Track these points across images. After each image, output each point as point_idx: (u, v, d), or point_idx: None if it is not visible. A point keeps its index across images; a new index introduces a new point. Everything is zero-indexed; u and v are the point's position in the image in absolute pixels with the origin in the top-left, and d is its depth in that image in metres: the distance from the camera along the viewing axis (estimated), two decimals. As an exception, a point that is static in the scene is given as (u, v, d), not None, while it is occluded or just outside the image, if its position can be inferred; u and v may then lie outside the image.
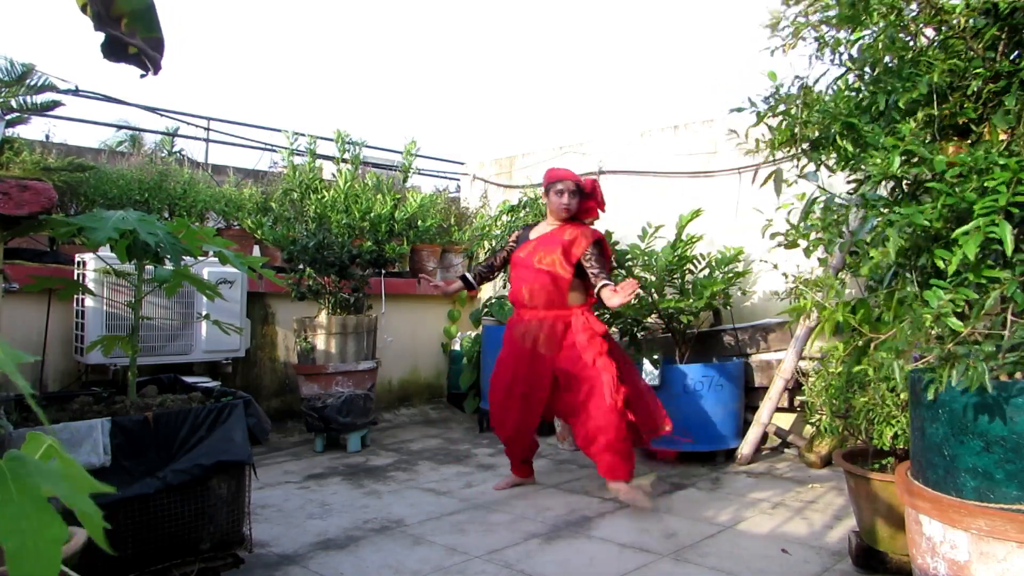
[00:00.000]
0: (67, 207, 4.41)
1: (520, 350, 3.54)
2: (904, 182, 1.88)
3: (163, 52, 1.57)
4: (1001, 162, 1.55)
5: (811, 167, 2.12)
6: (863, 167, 1.87)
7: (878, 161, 1.72)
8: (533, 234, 3.67)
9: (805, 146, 2.10)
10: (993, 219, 1.49)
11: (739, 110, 2.13)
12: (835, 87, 2.04)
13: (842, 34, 1.96)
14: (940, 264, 1.61)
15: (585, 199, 3.61)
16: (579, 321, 3.49)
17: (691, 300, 4.21)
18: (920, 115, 1.77)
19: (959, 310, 1.56)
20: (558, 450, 4.58)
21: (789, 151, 2.12)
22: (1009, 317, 1.56)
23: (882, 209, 1.73)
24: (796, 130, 2.02)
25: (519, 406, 3.55)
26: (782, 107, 2.05)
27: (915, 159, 1.73)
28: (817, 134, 2.02)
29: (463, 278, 3.90)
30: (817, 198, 2.03)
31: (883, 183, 1.81)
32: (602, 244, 3.58)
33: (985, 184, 1.54)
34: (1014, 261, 1.57)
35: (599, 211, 3.71)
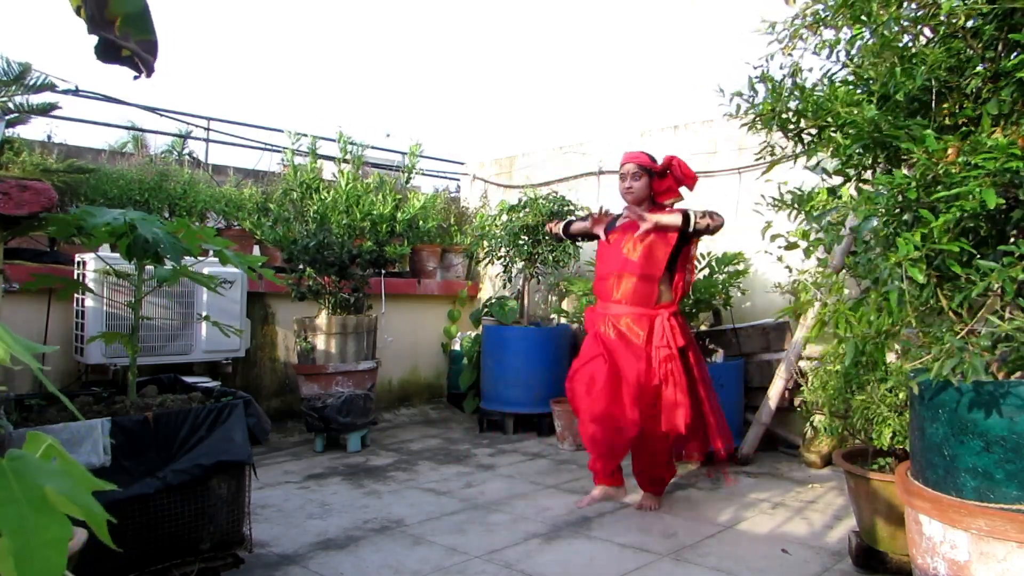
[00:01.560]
0: (67, 207, 4.41)
1: (609, 344, 3.30)
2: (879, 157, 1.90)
3: (156, 54, 1.58)
4: (989, 143, 1.55)
5: (817, 163, 2.12)
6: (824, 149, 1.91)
7: (840, 138, 1.73)
8: (620, 222, 3.45)
9: (807, 140, 2.10)
10: (981, 184, 1.51)
11: (738, 108, 2.13)
12: (828, 82, 2.04)
13: (841, 34, 1.96)
14: (926, 215, 1.62)
15: (660, 179, 3.39)
16: (661, 329, 3.25)
17: (691, 300, 4.21)
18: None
19: (925, 274, 1.58)
20: (558, 450, 4.59)
21: (773, 135, 2.12)
22: (1007, 314, 1.57)
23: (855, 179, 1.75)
24: (777, 106, 2.02)
25: (616, 405, 3.25)
26: (765, 94, 2.06)
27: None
28: (813, 127, 2.03)
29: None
30: (822, 187, 2.03)
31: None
32: None
33: (972, 160, 1.54)
34: (1002, 253, 1.58)
35: (683, 188, 3.42)
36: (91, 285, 3.79)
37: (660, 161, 3.39)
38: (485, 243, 5.39)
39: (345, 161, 5.84)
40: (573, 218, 3.80)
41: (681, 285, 3.40)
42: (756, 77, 2.07)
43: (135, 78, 1.59)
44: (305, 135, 5.78)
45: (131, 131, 8.36)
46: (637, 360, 3.23)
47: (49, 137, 5.25)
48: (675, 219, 3.21)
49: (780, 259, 3.28)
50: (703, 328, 4.72)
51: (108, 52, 1.51)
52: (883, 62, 1.81)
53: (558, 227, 3.75)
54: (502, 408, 5.07)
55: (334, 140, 5.91)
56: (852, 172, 2.06)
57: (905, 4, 1.84)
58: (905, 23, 1.84)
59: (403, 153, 6.38)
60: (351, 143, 5.88)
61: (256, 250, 5.00)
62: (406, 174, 6.25)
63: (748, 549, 2.82)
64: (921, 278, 1.58)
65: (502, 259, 5.30)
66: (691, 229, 3.22)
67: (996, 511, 1.59)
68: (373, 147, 6.38)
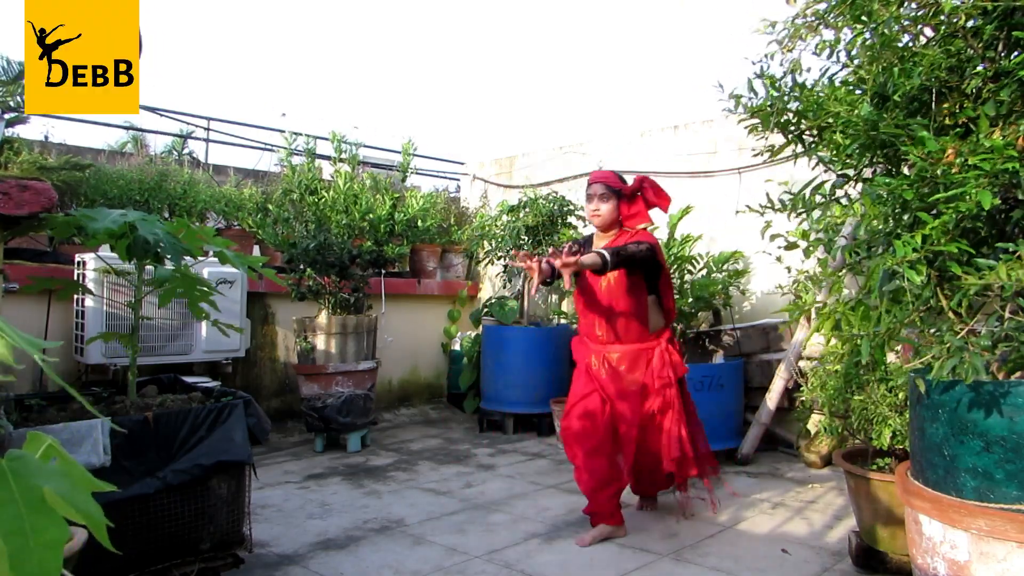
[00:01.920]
0: (67, 207, 4.41)
1: (602, 382, 3.05)
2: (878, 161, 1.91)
3: (140, 52, 1.61)
4: (987, 144, 1.55)
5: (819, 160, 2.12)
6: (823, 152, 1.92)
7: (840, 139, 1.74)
8: (593, 249, 3.02)
9: (808, 140, 2.10)
10: (979, 186, 1.51)
11: (737, 100, 2.12)
12: (828, 81, 2.04)
13: (841, 34, 1.96)
14: (925, 217, 1.62)
15: (629, 202, 3.07)
16: (658, 362, 3.03)
17: (689, 300, 4.22)
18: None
19: (923, 275, 1.58)
20: (558, 450, 4.58)
21: (773, 137, 2.12)
22: (1006, 314, 1.57)
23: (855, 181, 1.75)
24: (776, 104, 2.02)
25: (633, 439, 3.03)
26: (765, 94, 2.06)
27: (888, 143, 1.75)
28: (813, 127, 2.03)
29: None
30: (822, 182, 2.03)
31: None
32: (656, 250, 3.02)
33: (970, 161, 1.55)
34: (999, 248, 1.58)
35: (653, 211, 3.11)
36: (91, 285, 3.79)
37: (631, 182, 3.09)
38: (486, 243, 5.39)
39: (340, 160, 5.84)
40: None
41: (672, 306, 3.16)
42: (755, 74, 2.07)
43: None
44: (300, 134, 5.78)
45: (131, 131, 8.36)
46: (632, 397, 3.03)
47: (47, 137, 5.25)
48: (594, 260, 2.82)
49: (779, 259, 3.29)
50: (703, 328, 4.73)
51: None
52: (881, 61, 1.81)
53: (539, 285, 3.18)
54: (502, 408, 5.07)
55: (330, 140, 5.92)
56: (852, 172, 2.06)
57: (905, 3, 1.84)
58: (905, 22, 1.84)
59: (399, 152, 6.38)
60: (345, 142, 5.88)
61: (256, 250, 5.00)
62: (402, 173, 6.26)
63: (748, 549, 2.82)
64: (918, 280, 1.58)
65: (503, 259, 5.30)
66: (610, 268, 2.88)
67: (996, 511, 1.59)
68: (367, 146, 6.38)
